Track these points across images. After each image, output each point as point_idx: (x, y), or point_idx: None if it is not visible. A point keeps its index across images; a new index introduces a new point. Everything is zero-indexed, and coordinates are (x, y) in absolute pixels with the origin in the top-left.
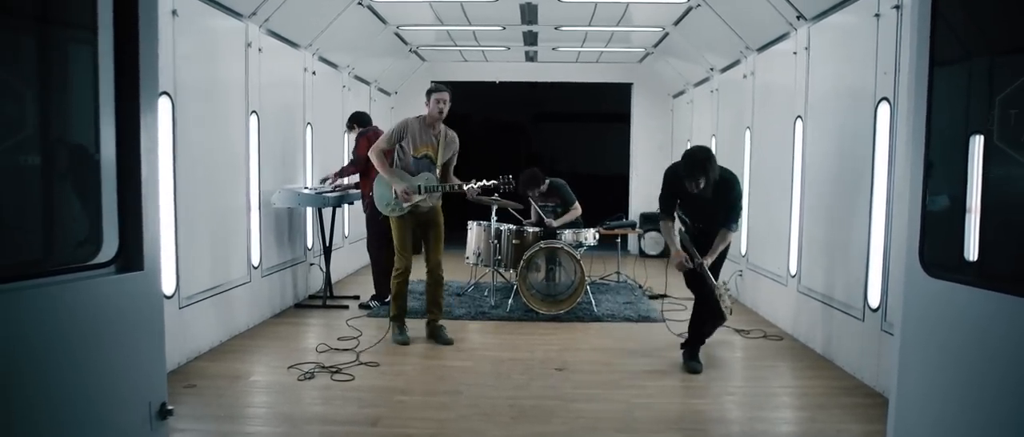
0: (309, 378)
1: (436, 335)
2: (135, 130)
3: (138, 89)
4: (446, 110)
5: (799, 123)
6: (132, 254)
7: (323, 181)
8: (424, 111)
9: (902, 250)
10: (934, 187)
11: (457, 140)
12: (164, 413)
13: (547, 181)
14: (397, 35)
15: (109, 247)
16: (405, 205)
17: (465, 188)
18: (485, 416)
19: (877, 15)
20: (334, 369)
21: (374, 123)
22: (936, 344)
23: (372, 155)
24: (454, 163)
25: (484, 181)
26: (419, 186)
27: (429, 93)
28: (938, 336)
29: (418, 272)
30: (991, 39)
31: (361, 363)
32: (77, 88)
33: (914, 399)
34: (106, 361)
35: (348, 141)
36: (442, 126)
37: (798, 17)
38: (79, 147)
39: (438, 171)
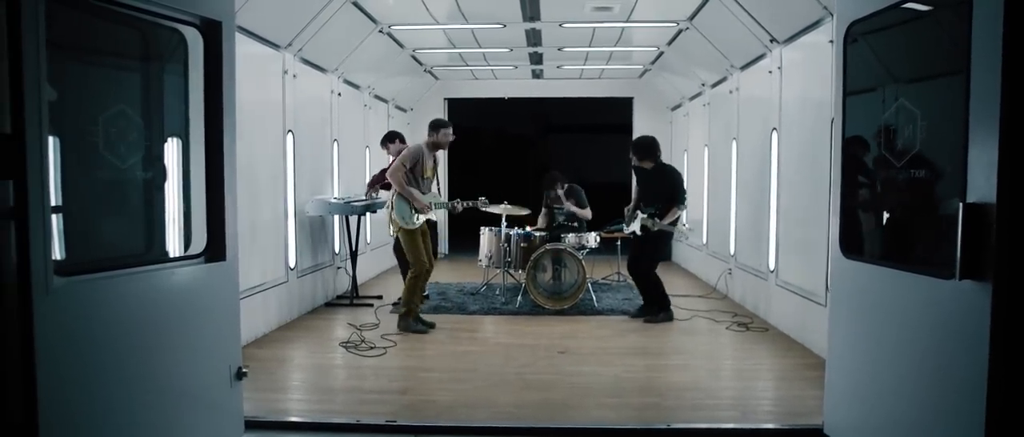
0: (344, 356)
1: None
2: (219, 148)
3: (222, 115)
4: None
5: (775, 134)
6: (217, 247)
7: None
8: (426, 138)
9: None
10: (848, 186)
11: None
12: (240, 374)
13: (567, 184)
14: (413, 57)
15: (199, 242)
16: (420, 219)
17: (456, 206)
18: (496, 387)
19: (831, 41)
20: (364, 351)
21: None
22: (852, 311)
23: (394, 178)
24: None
25: (466, 203)
26: (431, 203)
27: (440, 127)
28: (853, 304)
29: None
30: (879, 75)
31: (387, 349)
32: (175, 115)
33: (841, 357)
34: (198, 331)
35: (371, 157)
36: None
37: (771, 40)
38: (177, 163)
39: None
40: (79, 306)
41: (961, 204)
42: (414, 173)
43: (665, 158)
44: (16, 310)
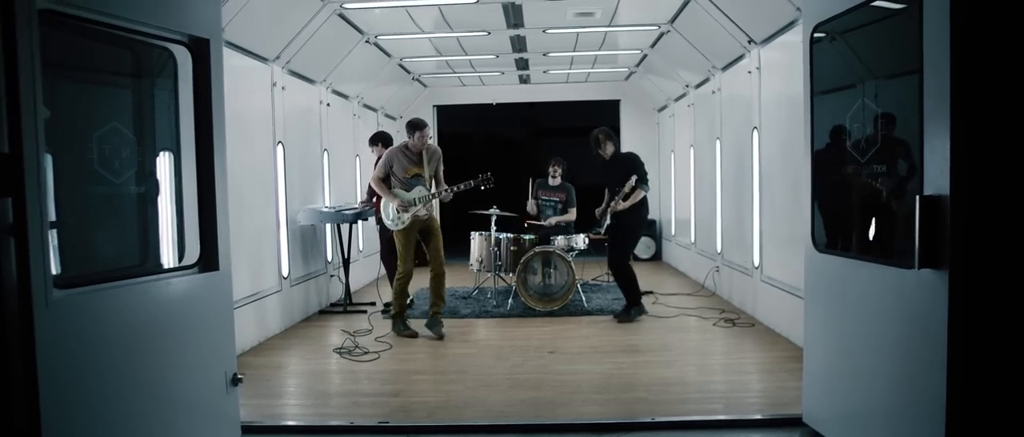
0: (338, 361)
1: (432, 326)
2: (210, 161)
3: (211, 129)
4: (428, 141)
5: (755, 133)
6: (210, 258)
7: (362, 204)
8: (404, 140)
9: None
10: (817, 183)
11: (438, 151)
12: (235, 381)
13: (561, 179)
14: (401, 66)
15: (193, 253)
16: (405, 217)
17: (451, 191)
18: (487, 387)
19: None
20: (358, 356)
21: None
22: (826, 302)
23: (373, 184)
24: (441, 169)
25: (463, 184)
26: (414, 199)
27: (415, 128)
28: (826, 296)
29: (419, 281)
30: (844, 74)
31: (380, 353)
32: (166, 131)
33: (817, 347)
34: (193, 340)
35: (361, 163)
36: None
37: (749, 41)
38: (169, 177)
39: (428, 182)
40: (78, 318)
41: (918, 197)
42: (395, 175)
43: (652, 160)
44: (17, 322)
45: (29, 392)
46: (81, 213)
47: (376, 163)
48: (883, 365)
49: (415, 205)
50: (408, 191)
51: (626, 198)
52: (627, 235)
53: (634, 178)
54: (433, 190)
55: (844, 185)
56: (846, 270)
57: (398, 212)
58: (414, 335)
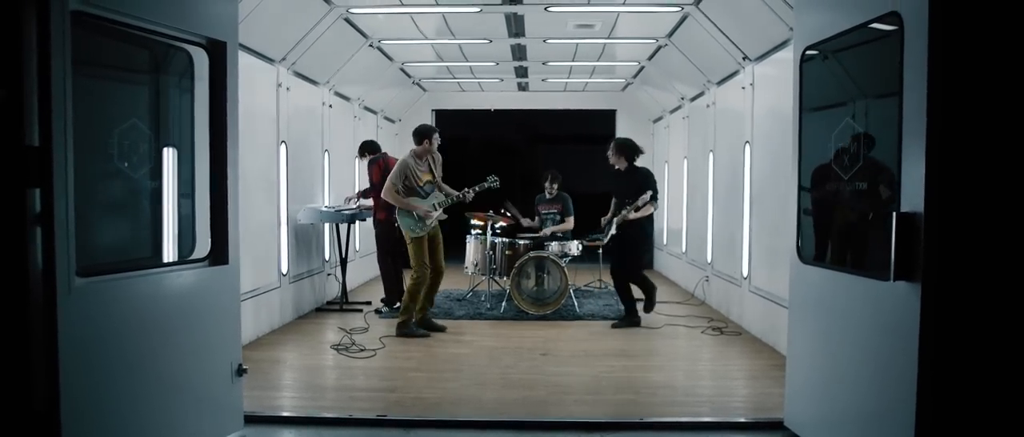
0: (335, 358)
1: (428, 323)
2: (223, 159)
3: (225, 128)
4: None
5: (747, 147)
6: (220, 252)
7: (347, 200)
8: (413, 147)
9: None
10: (803, 198)
11: (438, 155)
12: (241, 371)
13: (557, 190)
14: (402, 70)
15: (203, 247)
16: (429, 223)
17: (472, 192)
18: (481, 386)
19: None
20: (355, 353)
21: (383, 150)
22: (808, 312)
23: (389, 197)
24: (441, 173)
25: (475, 188)
26: (434, 204)
27: (427, 134)
28: (809, 305)
29: None
30: (830, 95)
31: (376, 351)
32: (181, 127)
33: (799, 354)
34: (202, 330)
35: (359, 166)
36: None
37: (744, 58)
38: (183, 172)
39: (439, 186)
40: (97, 305)
41: (894, 213)
42: (408, 185)
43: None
44: (41, 307)
45: (49, 375)
46: (101, 205)
47: (369, 174)
48: (860, 371)
49: (436, 210)
50: (425, 198)
51: (638, 210)
52: (634, 247)
53: (649, 193)
54: (455, 194)
55: (828, 200)
56: (828, 281)
57: (421, 219)
58: (426, 334)
